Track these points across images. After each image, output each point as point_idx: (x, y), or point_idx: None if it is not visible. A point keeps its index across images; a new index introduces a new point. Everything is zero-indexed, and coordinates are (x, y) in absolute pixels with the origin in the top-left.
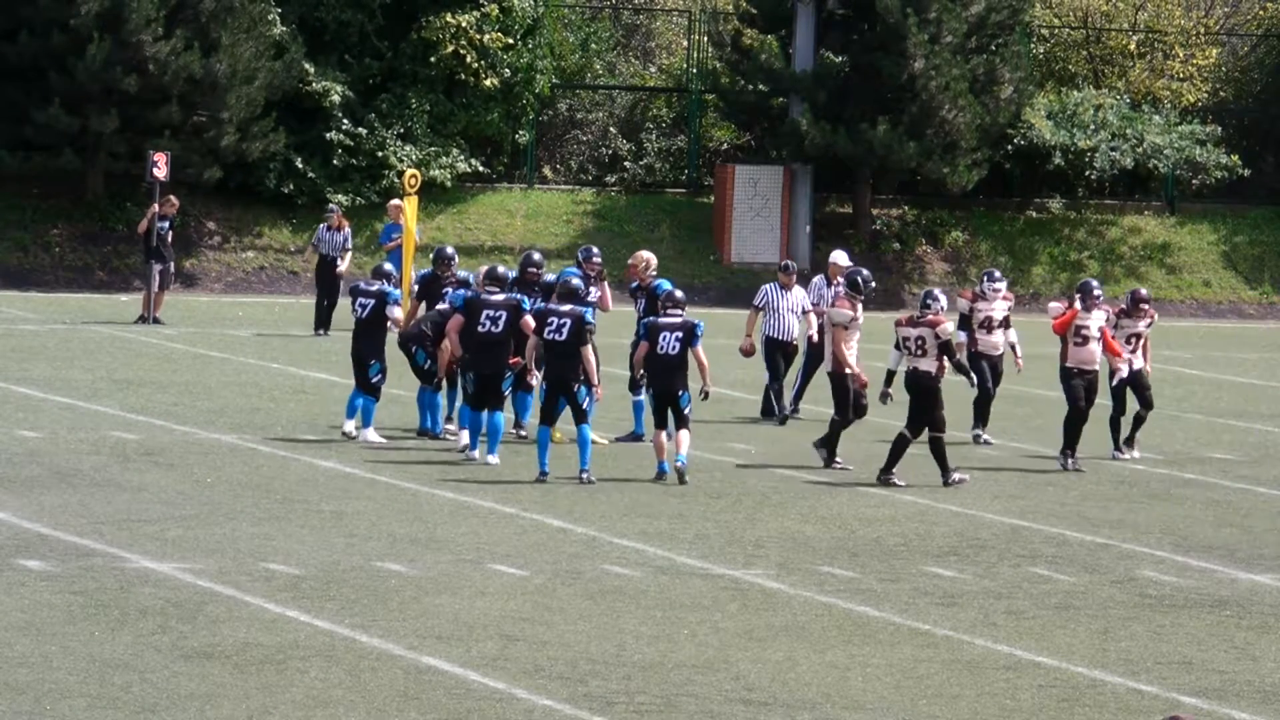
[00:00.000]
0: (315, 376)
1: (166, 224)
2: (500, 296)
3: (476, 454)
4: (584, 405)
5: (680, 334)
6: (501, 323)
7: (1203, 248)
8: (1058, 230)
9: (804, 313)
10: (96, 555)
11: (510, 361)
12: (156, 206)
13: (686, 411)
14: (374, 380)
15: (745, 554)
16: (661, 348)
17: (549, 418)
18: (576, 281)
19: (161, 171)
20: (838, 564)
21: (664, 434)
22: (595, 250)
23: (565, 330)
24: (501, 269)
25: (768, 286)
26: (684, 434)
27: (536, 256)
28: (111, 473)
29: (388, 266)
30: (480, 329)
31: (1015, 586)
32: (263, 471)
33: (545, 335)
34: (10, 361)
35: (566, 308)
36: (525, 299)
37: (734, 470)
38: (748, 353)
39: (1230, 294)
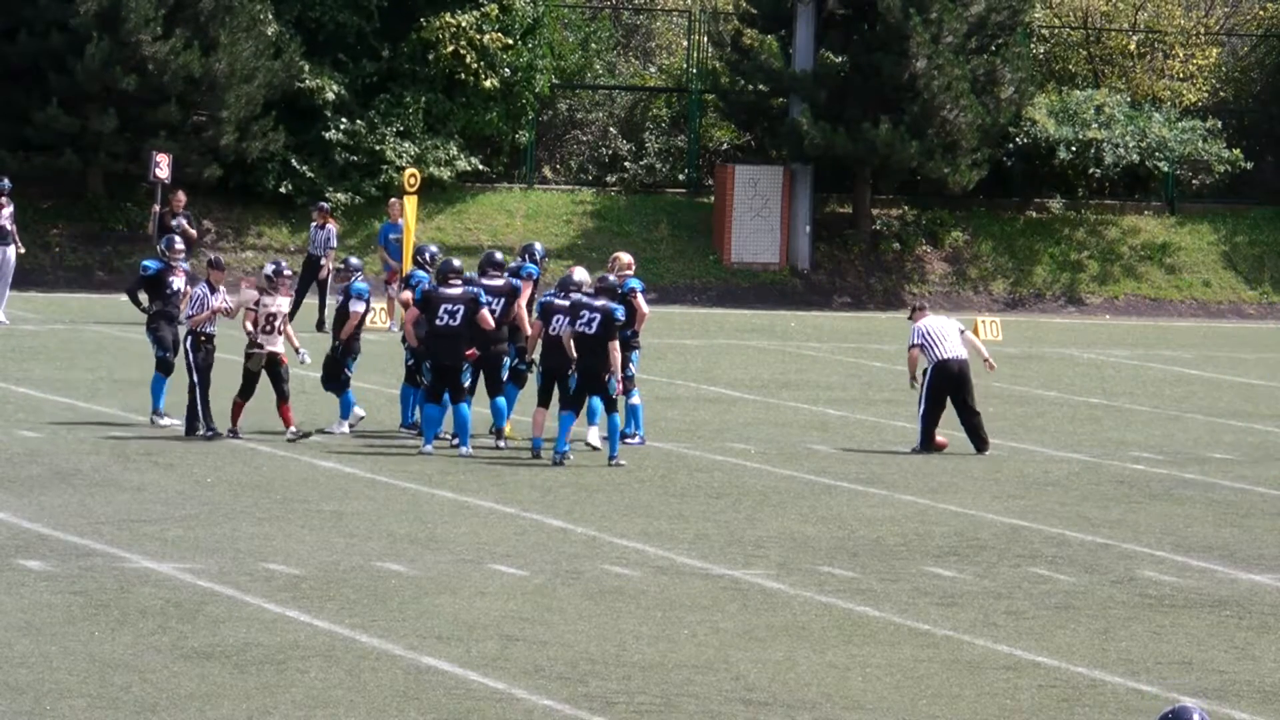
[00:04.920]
0: (315, 377)
1: (179, 221)
2: (458, 290)
3: (430, 448)
4: (614, 395)
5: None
6: (459, 316)
7: (1203, 248)
8: (1058, 230)
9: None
10: (96, 555)
11: (466, 354)
12: (157, 207)
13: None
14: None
15: (745, 554)
16: (441, 319)
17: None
18: (614, 278)
19: (164, 172)
20: (838, 564)
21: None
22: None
23: (595, 324)
24: (457, 262)
25: None
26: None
27: (494, 252)
28: (111, 473)
29: (355, 260)
30: (439, 321)
31: (1015, 586)
32: (263, 471)
33: (576, 328)
34: (10, 361)
35: (600, 302)
36: (482, 293)
37: (734, 470)
38: None
39: (1230, 294)
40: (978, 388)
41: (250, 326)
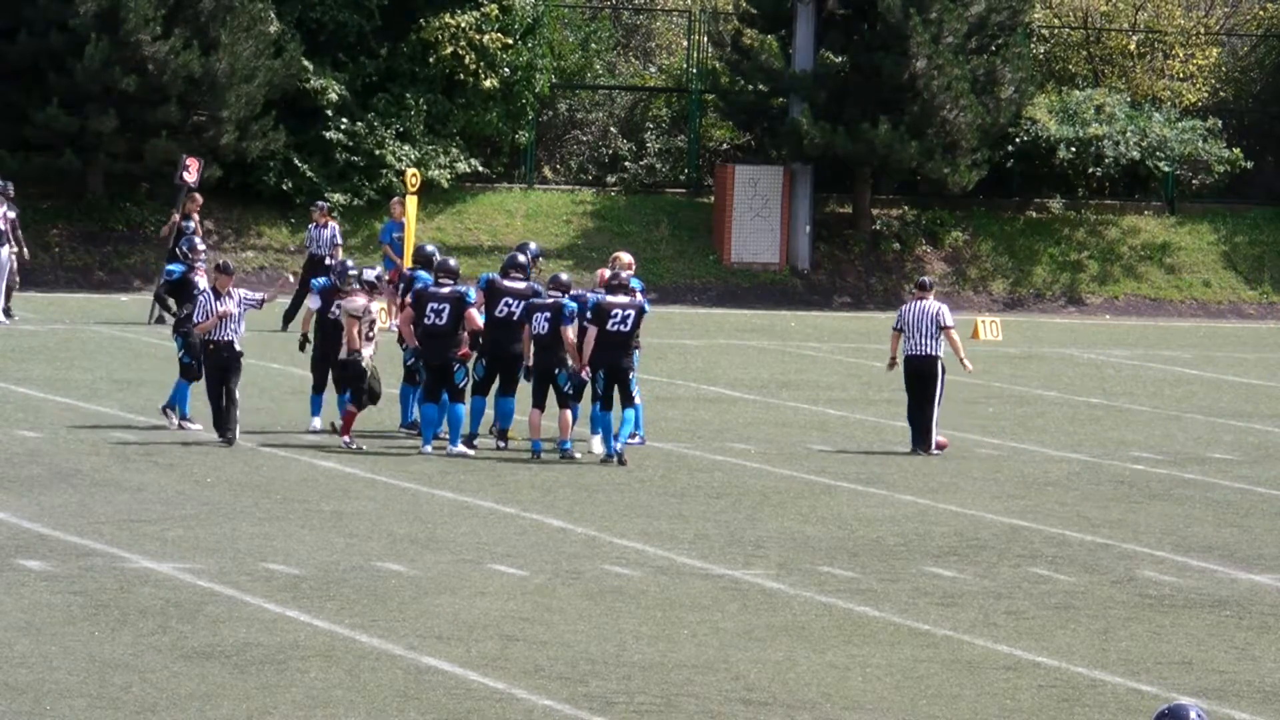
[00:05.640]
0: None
1: (191, 224)
2: (446, 289)
3: (429, 449)
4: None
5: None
6: (445, 315)
7: (1203, 248)
8: (1058, 230)
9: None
10: (96, 555)
11: (460, 354)
12: (177, 216)
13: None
14: None
15: (745, 554)
16: (428, 318)
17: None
18: (626, 274)
19: (192, 176)
20: (838, 564)
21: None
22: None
23: (629, 322)
24: (453, 261)
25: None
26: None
27: (517, 254)
28: (111, 473)
29: (349, 264)
30: (426, 320)
31: (1015, 586)
32: (263, 471)
33: (609, 327)
34: (10, 361)
35: (626, 299)
36: (470, 291)
37: (734, 470)
38: None
39: (1230, 294)
40: (972, 387)
41: (355, 334)
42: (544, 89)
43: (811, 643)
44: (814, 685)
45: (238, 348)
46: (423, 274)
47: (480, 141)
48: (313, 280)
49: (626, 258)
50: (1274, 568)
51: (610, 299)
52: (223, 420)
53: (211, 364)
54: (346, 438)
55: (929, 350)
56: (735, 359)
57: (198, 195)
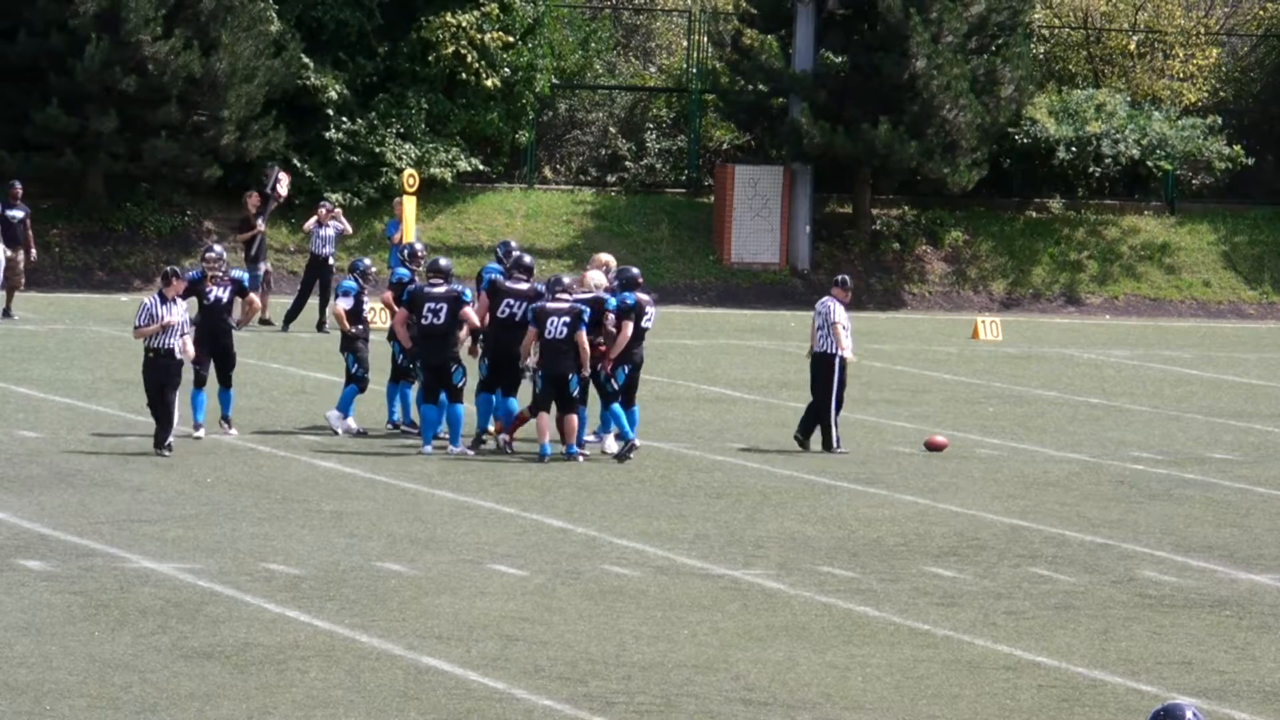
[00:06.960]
0: (315, 376)
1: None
2: (442, 289)
3: (429, 449)
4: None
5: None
6: (443, 314)
7: (1203, 248)
8: (1058, 230)
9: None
10: (96, 555)
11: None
12: (261, 225)
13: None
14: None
15: (745, 554)
16: (426, 318)
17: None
18: (635, 270)
19: (284, 189)
20: (838, 564)
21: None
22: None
23: (652, 319)
24: (444, 261)
25: None
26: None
27: (523, 255)
28: (111, 473)
29: (367, 262)
30: (424, 321)
31: (1015, 586)
32: (263, 471)
33: (643, 324)
34: (10, 361)
35: (649, 296)
36: (467, 291)
37: (734, 470)
38: None
39: (1230, 294)
40: (972, 387)
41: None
42: (544, 89)
43: (811, 643)
44: (814, 685)
45: (179, 356)
46: (401, 271)
47: (481, 141)
48: (341, 284)
49: (609, 263)
50: (1274, 568)
51: (642, 296)
52: (162, 432)
53: (150, 373)
54: (506, 438)
55: (819, 346)
56: (735, 359)
57: (255, 194)
